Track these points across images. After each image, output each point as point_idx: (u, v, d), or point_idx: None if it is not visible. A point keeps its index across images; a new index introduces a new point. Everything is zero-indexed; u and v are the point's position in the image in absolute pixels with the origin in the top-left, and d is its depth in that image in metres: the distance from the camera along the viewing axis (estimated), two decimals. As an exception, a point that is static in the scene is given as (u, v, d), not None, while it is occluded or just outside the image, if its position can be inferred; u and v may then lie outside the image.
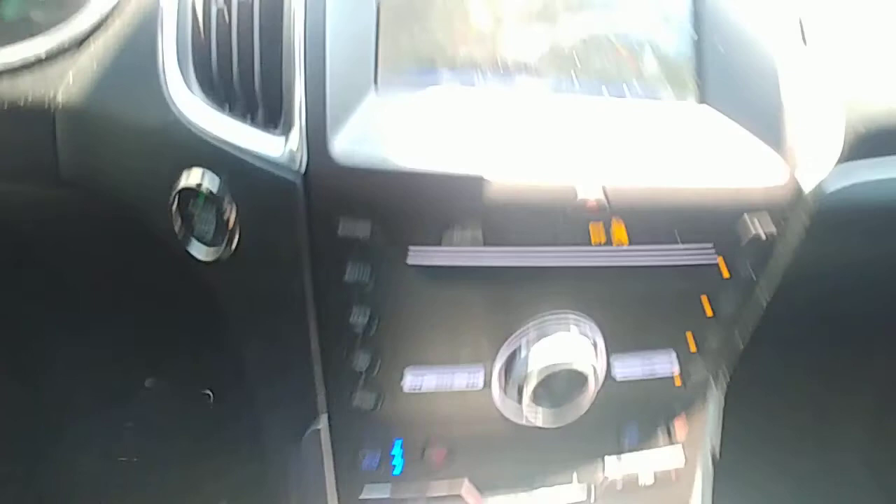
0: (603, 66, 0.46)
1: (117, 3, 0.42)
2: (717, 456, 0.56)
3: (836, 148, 0.48)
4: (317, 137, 0.36)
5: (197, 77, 0.40)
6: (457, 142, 0.38)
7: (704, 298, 0.45)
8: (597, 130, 0.42)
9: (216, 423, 0.68)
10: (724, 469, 0.57)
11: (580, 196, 0.38)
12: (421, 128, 0.39)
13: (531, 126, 0.41)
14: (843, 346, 0.78)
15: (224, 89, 0.40)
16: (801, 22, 0.49)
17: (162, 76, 0.40)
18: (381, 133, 0.38)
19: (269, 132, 0.39)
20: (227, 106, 0.40)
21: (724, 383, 0.55)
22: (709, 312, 0.46)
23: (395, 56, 0.42)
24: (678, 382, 0.49)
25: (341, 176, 0.36)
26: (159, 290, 0.55)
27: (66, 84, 0.42)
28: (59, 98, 0.43)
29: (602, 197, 0.38)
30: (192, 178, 0.39)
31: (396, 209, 0.37)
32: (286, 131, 0.37)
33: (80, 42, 0.42)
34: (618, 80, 0.47)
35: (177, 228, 0.41)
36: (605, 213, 0.39)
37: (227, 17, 0.40)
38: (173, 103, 0.39)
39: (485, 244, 0.38)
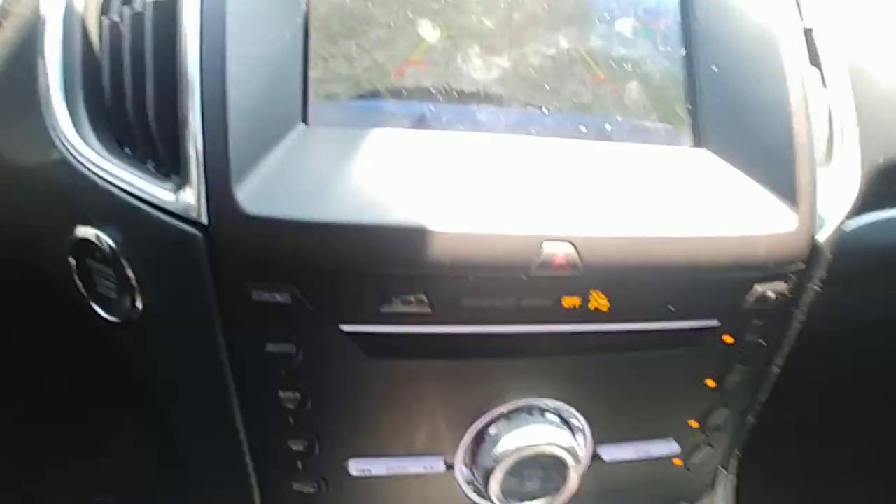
0: (578, 96, 0.41)
1: None
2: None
3: (851, 196, 0.41)
4: (219, 182, 0.30)
5: (87, 107, 0.34)
6: (399, 188, 0.32)
7: (704, 368, 0.39)
8: (570, 176, 0.36)
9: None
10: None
11: (546, 251, 0.32)
12: (355, 170, 0.32)
13: (490, 170, 0.35)
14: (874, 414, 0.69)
15: (118, 123, 0.34)
16: (819, 61, 0.43)
17: (46, 106, 0.33)
18: (305, 177, 0.31)
19: (165, 176, 0.33)
20: (121, 143, 0.35)
21: (736, 463, 0.47)
22: (710, 384, 0.39)
23: (328, 82, 0.36)
24: (678, 463, 0.42)
25: (251, 228, 0.30)
26: (60, 354, 0.47)
27: None
28: None
29: (573, 252, 0.32)
30: (87, 228, 0.33)
31: (323, 269, 0.30)
32: (185, 174, 0.31)
33: None
34: (597, 113, 0.41)
35: (78, 284, 0.35)
36: (578, 272, 0.32)
37: (119, 33, 0.34)
38: (59, 140, 0.33)
39: (433, 311, 0.32)
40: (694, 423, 0.40)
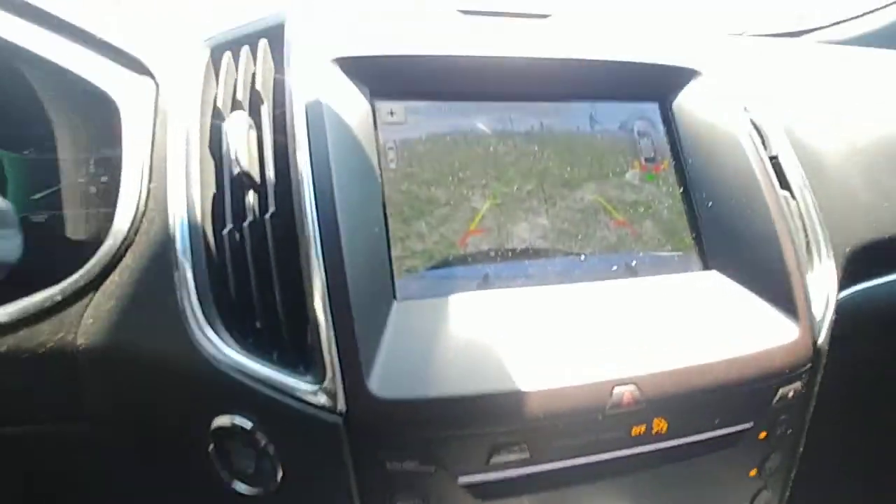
0: (606, 240, 0.49)
1: (130, 240, 0.42)
2: None
3: (834, 294, 0.50)
4: (353, 375, 0.37)
5: (219, 311, 0.40)
6: (486, 353, 0.40)
7: (745, 461, 0.46)
8: (614, 317, 0.44)
9: None
10: None
11: (616, 394, 0.40)
12: (448, 341, 0.40)
13: (551, 322, 0.43)
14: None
15: (248, 322, 0.41)
16: (787, 181, 0.53)
17: (184, 313, 0.40)
18: (412, 354, 0.39)
19: (300, 370, 0.39)
20: (252, 341, 0.41)
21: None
22: (752, 473, 0.47)
23: (407, 258, 0.44)
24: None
25: (385, 410, 0.36)
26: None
27: (86, 326, 0.42)
28: (80, 340, 0.42)
29: (637, 391, 0.40)
30: (227, 418, 0.39)
31: (443, 436, 0.38)
32: (321, 371, 0.38)
33: (96, 283, 0.42)
34: (622, 252, 0.50)
35: (217, 467, 0.41)
36: (642, 405, 0.40)
37: (240, 243, 0.41)
38: (198, 341, 0.39)
39: (531, 455, 0.39)
40: (742, 506, 0.47)
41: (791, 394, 0.44)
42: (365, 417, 0.37)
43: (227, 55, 0.49)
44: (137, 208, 0.43)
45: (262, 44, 0.49)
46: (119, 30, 0.46)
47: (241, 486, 0.40)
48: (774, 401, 0.44)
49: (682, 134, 0.53)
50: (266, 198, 0.43)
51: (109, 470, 0.51)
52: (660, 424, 0.41)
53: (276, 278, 0.40)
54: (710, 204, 0.51)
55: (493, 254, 0.47)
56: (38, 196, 0.46)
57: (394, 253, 0.44)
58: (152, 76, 0.47)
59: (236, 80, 0.47)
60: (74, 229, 0.45)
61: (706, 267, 0.50)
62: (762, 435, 0.45)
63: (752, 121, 0.54)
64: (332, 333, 0.37)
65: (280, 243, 0.41)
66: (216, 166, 0.45)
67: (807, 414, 0.47)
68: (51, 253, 0.44)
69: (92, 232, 0.44)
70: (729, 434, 0.43)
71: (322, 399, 0.37)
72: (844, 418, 0.65)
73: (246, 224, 0.42)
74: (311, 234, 0.40)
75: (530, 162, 0.50)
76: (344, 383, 0.37)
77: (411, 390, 0.37)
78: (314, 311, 0.38)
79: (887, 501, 0.80)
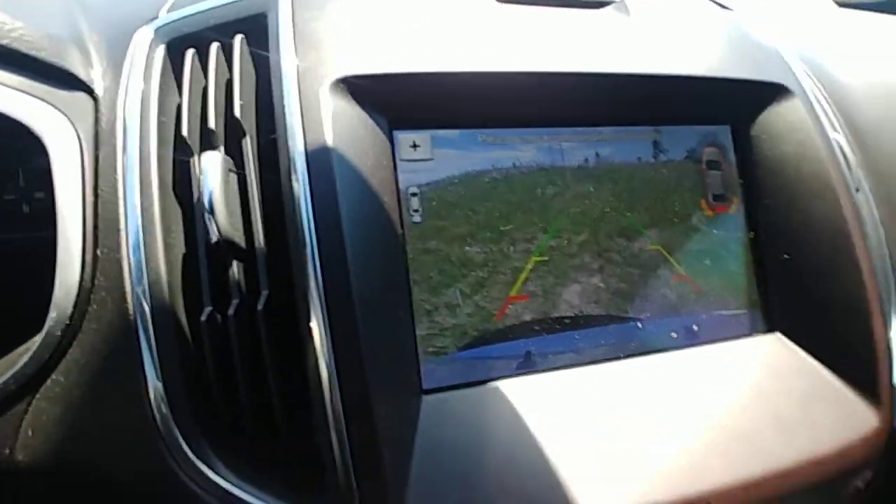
0: (665, 298, 0.42)
1: (75, 327, 0.32)
2: None
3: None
4: (377, 498, 0.30)
5: (198, 422, 0.32)
6: (534, 462, 0.33)
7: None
8: (677, 405, 0.37)
9: None
10: None
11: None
12: (489, 450, 0.33)
13: (606, 413, 0.36)
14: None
15: (238, 439, 0.33)
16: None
17: (154, 424, 0.31)
18: (448, 468, 0.32)
19: (306, 498, 0.31)
20: (244, 461, 0.32)
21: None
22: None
23: (434, 337, 0.36)
24: None
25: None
26: None
27: (25, 438, 0.32)
28: (19, 457, 0.32)
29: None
30: None
31: None
32: (334, 495, 0.30)
33: (33, 385, 0.32)
34: (685, 313, 0.42)
35: None
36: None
37: (221, 328, 0.32)
38: (175, 463, 0.31)
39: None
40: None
41: (862, 485, 0.40)
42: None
43: (191, 55, 0.36)
44: (82, 283, 0.32)
45: (239, 42, 0.36)
46: (27, 25, 0.32)
47: None
48: (847, 492, 0.39)
49: (758, 165, 0.44)
50: (255, 271, 0.33)
51: None
52: None
53: (272, 380, 0.32)
54: (785, 255, 0.43)
55: (536, 326, 0.38)
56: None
57: (419, 331, 0.36)
58: (89, 90, 0.34)
59: (205, 94, 0.35)
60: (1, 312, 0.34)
61: (770, 329, 0.43)
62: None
63: (839, 146, 0.45)
64: (348, 454, 0.30)
65: (276, 332, 0.32)
66: (185, 221, 0.34)
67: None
68: None
69: (25, 314, 0.33)
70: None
71: None
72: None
73: (231, 310, 0.32)
74: (320, 324, 0.31)
75: (583, 206, 0.40)
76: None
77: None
78: (326, 422, 0.30)
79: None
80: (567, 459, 0.34)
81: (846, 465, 0.38)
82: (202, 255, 0.33)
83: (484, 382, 0.36)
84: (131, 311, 0.32)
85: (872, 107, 0.50)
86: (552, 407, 0.36)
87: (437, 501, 0.31)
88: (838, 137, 0.46)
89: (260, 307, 0.31)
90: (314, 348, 0.31)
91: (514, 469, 0.33)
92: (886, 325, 0.41)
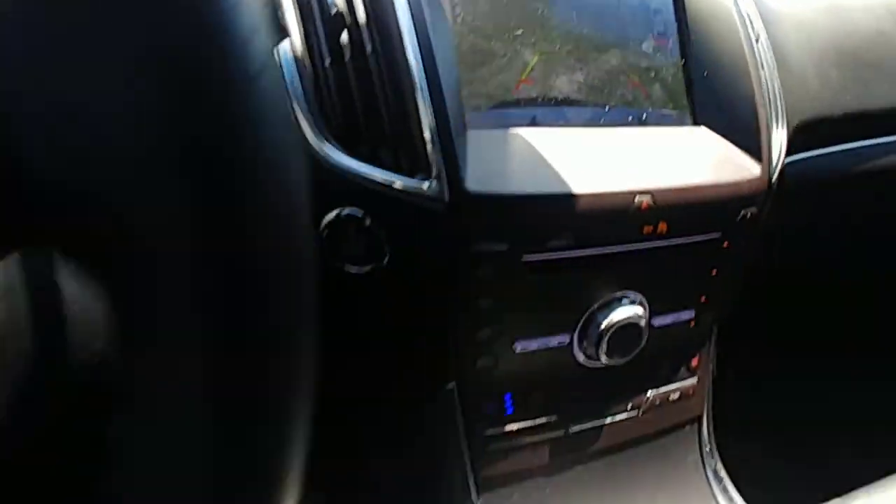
0: (625, 96, 0.62)
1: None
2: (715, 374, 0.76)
3: (784, 146, 0.66)
4: (454, 175, 0.48)
5: (328, 127, 0.48)
6: (543, 170, 0.53)
7: (710, 263, 0.63)
8: (632, 151, 0.58)
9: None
10: (721, 385, 0.77)
11: (637, 200, 0.54)
12: (513, 159, 0.53)
13: (586, 152, 0.56)
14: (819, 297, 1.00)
15: (355, 137, 0.49)
16: (761, 52, 0.67)
17: (296, 123, 0.46)
18: (488, 165, 0.51)
19: (406, 174, 0.49)
20: (359, 152, 0.49)
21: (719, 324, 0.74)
22: (713, 273, 0.64)
23: (474, 99, 0.55)
24: (693, 325, 0.67)
25: (475, 202, 0.49)
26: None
27: None
28: None
29: (651, 199, 0.55)
30: (338, 211, 0.47)
31: (515, 223, 0.51)
32: (425, 170, 0.48)
33: None
34: (635, 108, 0.63)
35: (332, 253, 0.50)
36: (654, 210, 0.55)
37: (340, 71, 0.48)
38: (309, 146, 0.47)
39: (575, 240, 0.53)
40: (704, 299, 0.65)
41: (749, 214, 0.61)
42: (461, 207, 0.49)
43: None
44: None
45: None
46: None
47: (353, 268, 0.52)
48: (738, 218, 0.60)
49: (688, 15, 0.64)
50: (361, 38, 0.51)
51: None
52: (662, 226, 0.56)
53: (381, 102, 0.50)
54: (705, 73, 0.64)
55: (539, 100, 0.58)
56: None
57: (462, 93, 0.55)
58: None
59: None
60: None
61: (696, 123, 0.64)
62: (726, 244, 0.61)
63: (742, 9, 0.66)
64: (437, 144, 0.48)
65: (381, 73, 0.50)
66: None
67: (755, 233, 0.65)
68: None
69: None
70: (705, 241, 0.60)
71: (431, 191, 0.49)
72: (772, 278, 0.84)
73: (347, 58, 0.50)
74: (415, 66, 0.49)
75: (570, 26, 0.60)
76: (449, 181, 0.48)
77: (492, 188, 0.50)
78: (423, 126, 0.48)
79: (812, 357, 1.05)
80: (561, 170, 0.53)
81: (740, 193, 0.59)
82: (319, 24, 0.51)
83: (506, 129, 0.55)
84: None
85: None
86: (552, 144, 0.55)
87: (483, 181, 0.50)
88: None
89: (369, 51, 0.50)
90: (413, 88, 0.48)
91: (530, 170, 0.52)
92: (769, 118, 0.62)
